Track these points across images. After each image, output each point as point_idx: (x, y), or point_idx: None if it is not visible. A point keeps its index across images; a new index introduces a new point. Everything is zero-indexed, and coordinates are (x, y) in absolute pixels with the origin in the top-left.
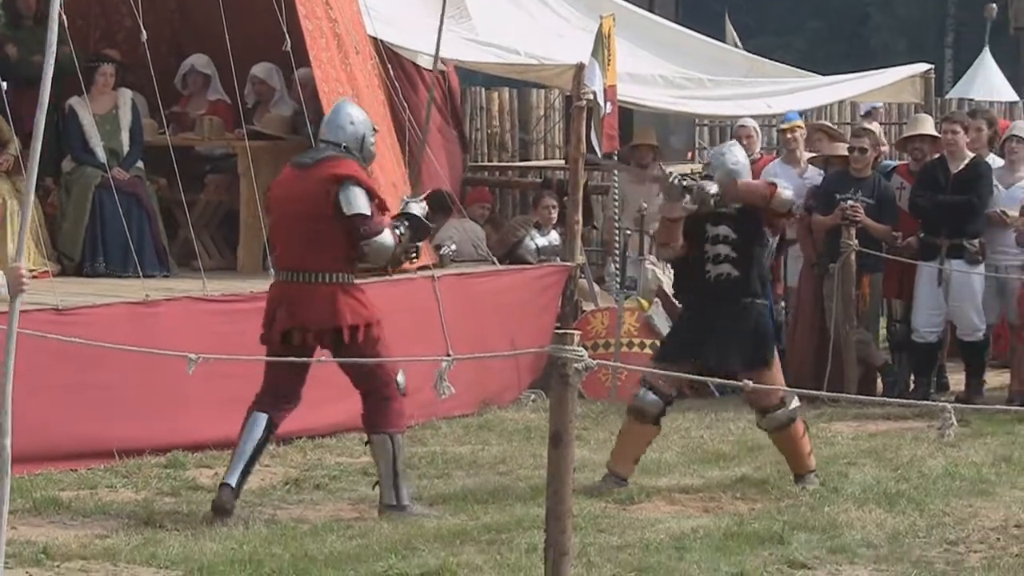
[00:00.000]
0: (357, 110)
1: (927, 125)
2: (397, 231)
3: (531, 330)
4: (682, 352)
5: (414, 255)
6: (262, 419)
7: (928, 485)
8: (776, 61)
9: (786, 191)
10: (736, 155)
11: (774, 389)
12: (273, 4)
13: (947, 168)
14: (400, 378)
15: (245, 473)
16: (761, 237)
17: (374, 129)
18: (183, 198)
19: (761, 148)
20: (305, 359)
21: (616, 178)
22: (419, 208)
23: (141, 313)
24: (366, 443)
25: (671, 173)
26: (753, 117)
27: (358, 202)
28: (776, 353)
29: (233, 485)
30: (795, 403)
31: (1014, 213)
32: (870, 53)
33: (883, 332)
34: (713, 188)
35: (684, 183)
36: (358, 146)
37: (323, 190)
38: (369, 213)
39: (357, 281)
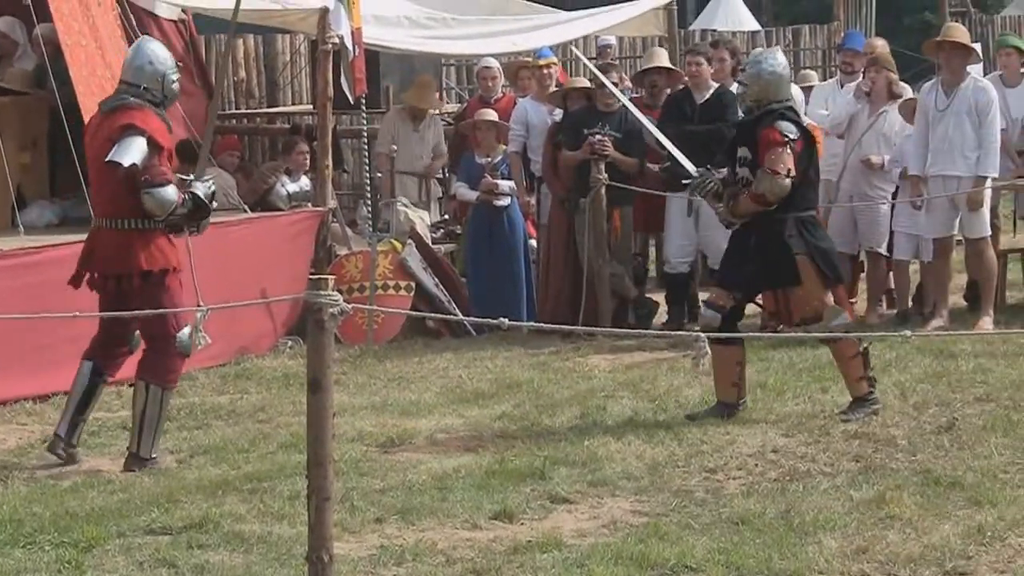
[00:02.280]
0: (159, 48)
1: (662, 58)
2: (183, 195)
3: (286, 277)
4: (726, 275)
5: (195, 231)
6: (87, 367)
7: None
8: None
9: (765, 181)
10: (774, 61)
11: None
12: None
13: (692, 99)
14: (184, 334)
15: (75, 423)
16: None
17: (177, 66)
18: None
19: (504, 86)
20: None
21: (365, 121)
22: (203, 188)
23: None
24: (130, 385)
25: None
26: (496, 56)
27: (131, 153)
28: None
29: (62, 435)
30: (839, 320)
31: None
32: None
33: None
34: (713, 186)
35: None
36: (159, 86)
37: (114, 137)
38: (140, 164)
39: None
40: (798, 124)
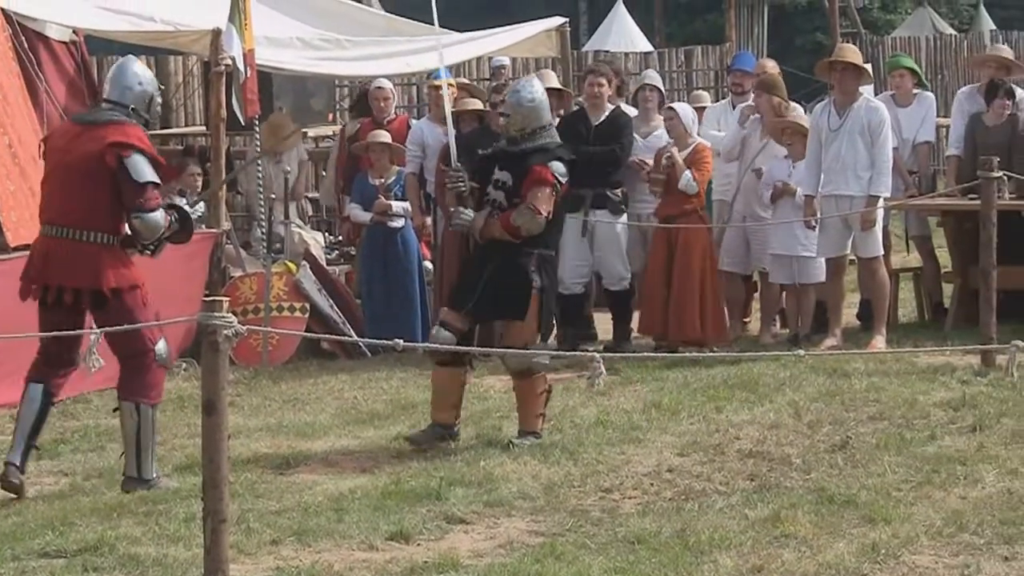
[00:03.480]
0: (143, 69)
1: (552, 79)
2: (169, 217)
3: (179, 298)
4: (458, 296)
5: (151, 252)
6: (37, 390)
7: (581, 435)
8: (415, 19)
9: (524, 215)
10: (531, 89)
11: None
12: None
13: (588, 120)
14: (161, 347)
15: (28, 448)
16: None
17: (160, 88)
18: None
19: (396, 107)
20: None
21: (259, 143)
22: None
23: None
24: (115, 409)
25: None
26: (390, 77)
27: (146, 171)
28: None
29: (17, 463)
30: (543, 357)
31: (651, 162)
32: (507, 7)
33: None
34: (466, 216)
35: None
36: (145, 107)
37: (106, 152)
38: (159, 182)
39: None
40: (568, 165)
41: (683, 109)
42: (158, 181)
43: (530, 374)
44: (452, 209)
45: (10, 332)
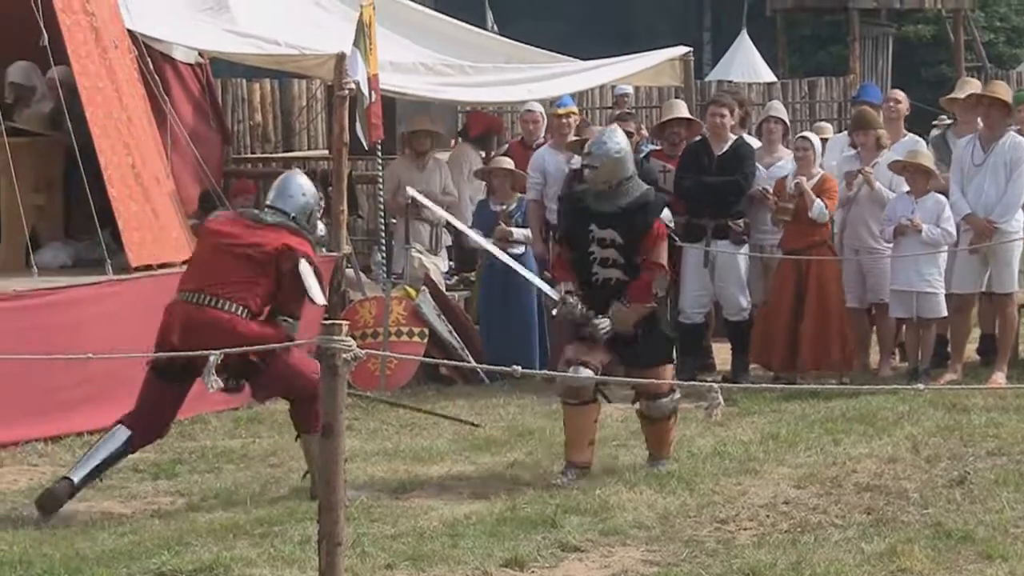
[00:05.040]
0: (307, 183)
1: (682, 109)
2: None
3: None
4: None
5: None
6: (124, 434)
7: (697, 465)
8: (538, 46)
9: (659, 279)
10: (617, 139)
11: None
12: None
13: (710, 150)
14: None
15: (91, 476)
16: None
17: (320, 204)
18: None
19: (515, 134)
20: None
21: (381, 167)
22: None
23: None
24: (297, 437)
25: (571, 304)
26: (512, 104)
27: (316, 292)
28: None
29: (75, 481)
30: (678, 395)
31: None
32: (632, 36)
33: None
34: (604, 325)
35: (580, 315)
36: (305, 219)
37: (279, 253)
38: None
39: None
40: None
41: (815, 140)
42: (325, 303)
43: (669, 418)
44: (589, 328)
45: (106, 353)
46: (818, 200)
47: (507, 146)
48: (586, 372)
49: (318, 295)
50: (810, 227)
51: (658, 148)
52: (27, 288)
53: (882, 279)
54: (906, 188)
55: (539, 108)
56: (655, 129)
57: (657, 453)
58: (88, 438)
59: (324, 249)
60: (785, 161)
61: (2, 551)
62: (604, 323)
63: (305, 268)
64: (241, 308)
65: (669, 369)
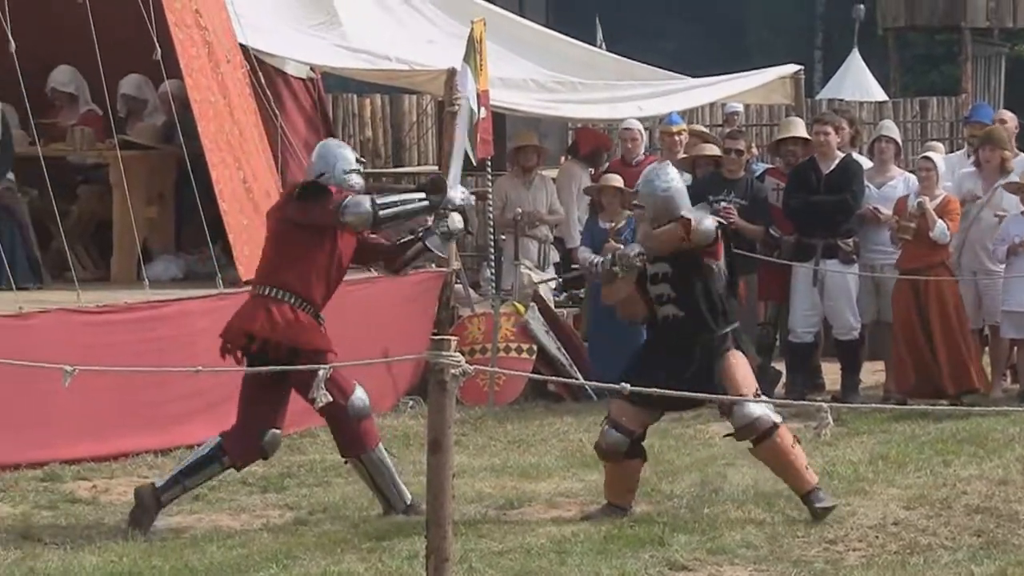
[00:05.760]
0: (336, 145)
1: (799, 128)
2: (374, 200)
3: (407, 336)
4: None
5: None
6: (215, 443)
7: None
8: (647, 63)
9: (704, 221)
10: (666, 177)
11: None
12: (143, 13)
13: (818, 169)
14: (355, 399)
15: (175, 481)
16: (700, 268)
17: (358, 160)
18: (55, 209)
19: (645, 150)
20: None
21: (490, 183)
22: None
23: (14, 325)
24: (345, 461)
25: (599, 262)
26: (621, 120)
27: (312, 189)
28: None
29: (158, 485)
30: (768, 414)
31: (887, 211)
32: (742, 54)
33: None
34: (634, 250)
35: (610, 265)
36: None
37: (285, 199)
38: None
39: None
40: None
41: (938, 160)
42: (319, 183)
43: (756, 431)
44: (622, 261)
45: (217, 366)
46: (940, 221)
47: (607, 164)
48: (615, 435)
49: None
50: (930, 248)
51: (773, 167)
52: (138, 300)
53: (997, 300)
54: (1021, 209)
55: (638, 125)
56: (772, 146)
57: (796, 487)
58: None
59: (434, 264)
60: (897, 180)
61: (112, 562)
62: (634, 248)
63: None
64: (293, 297)
65: (741, 373)
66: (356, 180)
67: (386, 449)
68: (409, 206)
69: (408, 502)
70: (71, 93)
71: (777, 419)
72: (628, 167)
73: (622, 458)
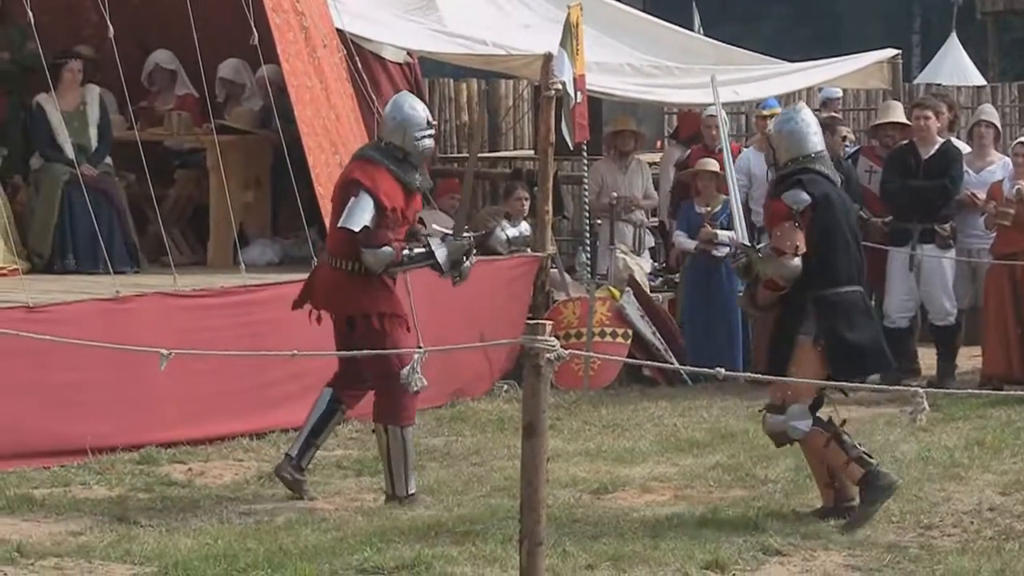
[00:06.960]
0: (408, 102)
1: (898, 112)
2: (404, 252)
3: (502, 321)
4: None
5: (457, 279)
6: (327, 393)
7: (901, 469)
8: (744, 48)
9: (778, 265)
10: (799, 117)
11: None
12: None
13: (917, 153)
14: (406, 372)
15: (307, 445)
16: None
17: (428, 123)
18: (152, 193)
19: (729, 135)
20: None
21: (586, 167)
22: (442, 253)
23: (112, 309)
24: (373, 431)
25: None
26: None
27: (360, 216)
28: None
29: (293, 455)
30: (801, 424)
31: (984, 197)
32: (839, 39)
33: None
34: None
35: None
36: (400, 140)
37: (342, 189)
38: (358, 230)
39: None
40: (816, 187)
41: None
42: (366, 227)
43: (787, 440)
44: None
45: (313, 350)
46: None
47: (690, 151)
48: (772, 419)
49: (350, 220)
50: None
51: (867, 146)
52: (234, 284)
53: None
54: None
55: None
56: (871, 129)
57: (825, 499)
58: (293, 434)
59: (529, 249)
60: (996, 166)
61: (207, 545)
62: (742, 258)
63: (357, 197)
64: (347, 263)
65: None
66: (427, 144)
67: (479, 433)
68: (417, 263)
69: (410, 492)
70: (172, 70)
71: (804, 429)
72: (711, 153)
73: (783, 441)
